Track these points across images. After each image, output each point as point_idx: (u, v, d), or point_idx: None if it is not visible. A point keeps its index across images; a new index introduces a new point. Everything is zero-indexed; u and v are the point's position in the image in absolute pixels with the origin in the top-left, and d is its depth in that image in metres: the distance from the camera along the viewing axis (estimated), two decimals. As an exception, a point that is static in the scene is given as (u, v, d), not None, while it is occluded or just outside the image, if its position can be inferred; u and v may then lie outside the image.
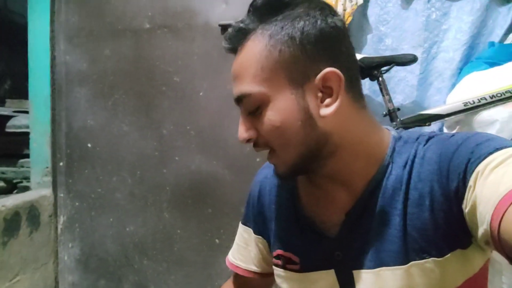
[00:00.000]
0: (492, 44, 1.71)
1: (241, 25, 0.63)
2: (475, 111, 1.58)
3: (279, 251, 0.74)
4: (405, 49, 1.80)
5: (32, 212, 1.73)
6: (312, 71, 0.59)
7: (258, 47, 0.60)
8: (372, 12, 1.85)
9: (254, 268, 0.85)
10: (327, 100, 0.60)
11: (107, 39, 1.84)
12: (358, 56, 1.68)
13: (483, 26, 1.76)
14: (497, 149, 0.52)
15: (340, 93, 0.59)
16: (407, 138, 0.65)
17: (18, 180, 2.34)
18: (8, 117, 2.69)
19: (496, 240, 0.48)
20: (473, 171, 0.52)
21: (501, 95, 1.49)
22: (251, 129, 0.64)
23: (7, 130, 2.62)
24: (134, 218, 1.83)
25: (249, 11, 0.64)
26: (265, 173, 0.82)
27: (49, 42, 1.86)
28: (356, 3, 1.78)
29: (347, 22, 1.79)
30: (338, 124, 0.61)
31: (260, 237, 0.82)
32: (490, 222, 0.48)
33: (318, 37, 0.59)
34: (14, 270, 1.60)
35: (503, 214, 0.46)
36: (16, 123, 2.58)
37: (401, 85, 1.84)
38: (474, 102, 1.56)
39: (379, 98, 1.70)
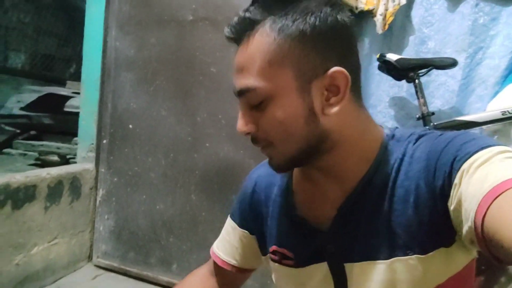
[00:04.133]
0: (541, 52, 1.62)
1: (248, 14, 0.60)
2: (514, 121, 1.52)
3: (274, 247, 0.75)
4: (448, 53, 1.74)
5: (75, 183, 1.89)
6: (321, 68, 0.59)
7: (266, 40, 0.58)
8: (416, 13, 1.81)
9: (233, 261, 0.85)
10: (332, 99, 0.60)
11: (153, 28, 1.95)
12: (394, 57, 1.66)
13: (534, 33, 1.67)
14: (482, 148, 0.53)
15: (346, 93, 0.60)
16: (400, 137, 0.66)
17: (71, 156, 2.55)
18: (68, 98, 2.94)
19: (480, 237, 0.48)
20: (458, 169, 0.53)
21: (542, 107, 1.42)
22: (251, 123, 0.63)
23: (65, 109, 2.86)
24: (165, 197, 1.94)
25: (255, 1, 0.61)
26: (261, 171, 0.83)
27: (102, 28, 2.01)
28: (399, 3, 1.75)
29: (388, 22, 1.76)
30: (339, 122, 0.61)
31: (245, 231, 0.83)
32: (474, 219, 0.49)
33: (329, 34, 0.58)
34: (53, 233, 1.76)
35: (486, 210, 0.47)
36: (74, 104, 2.81)
37: (441, 89, 1.79)
38: (512, 112, 1.50)
39: (416, 101, 1.67)
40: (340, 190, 0.66)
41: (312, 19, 0.58)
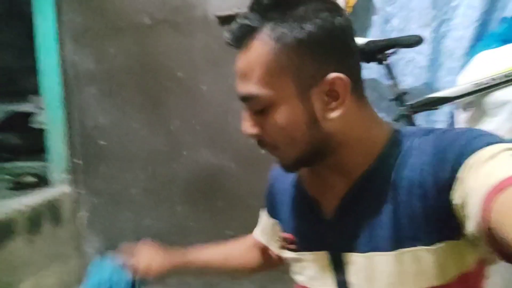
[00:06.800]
0: (505, 20, 1.62)
1: (246, 21, 0.61)
2: (487, 92, 1.53)
3: (284, 233, 0.80)
4: (412, 29, 1.74)
5: (54, 210, 1.83)
6: (320, 75, 0.59)
7: (265, 49, 0.59)
8: (378, -7, 1.78)
9: (263, 241, 0.95)
10: (333, 104, 0.61)
11: (111, 38, 1.86)
12: (363, 41, 1.64)
13: (496, 1, 1.67)
14: (488, 144, 0.54)
15: (346, 97, 0.60)
16: (407, 132, 0.67)
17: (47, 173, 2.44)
18: (33, 114, 2.80)
19: (486, 232, 0.48)
20: (464, 164, 0.54)
21: (514, 74, 1.43)
22: (256, 126, 0.65)
23: (32, 126, 2.73)
24: (149, 212, 1.90)
25: (253, 7, 0.61)
26: None
27: (57, 43, 1.90)
28: (360, -15, 1.72)
29: (351, 5, 1.74)
30: (342, 124, 0.62)
31: (271, 217, 0.90)
32: (479, 214, 0.49)
33: (327, 40, 0.59)
34: (40, 265, 1.70)
35: (491, 206, 0.47)
36: (40, 119, 2.68)
37: (410, 66, 1.79)
38: (485, 83, 1.50)
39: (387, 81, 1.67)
40: (345, 182, 0.68)
41: (309, 26, 0.58)
